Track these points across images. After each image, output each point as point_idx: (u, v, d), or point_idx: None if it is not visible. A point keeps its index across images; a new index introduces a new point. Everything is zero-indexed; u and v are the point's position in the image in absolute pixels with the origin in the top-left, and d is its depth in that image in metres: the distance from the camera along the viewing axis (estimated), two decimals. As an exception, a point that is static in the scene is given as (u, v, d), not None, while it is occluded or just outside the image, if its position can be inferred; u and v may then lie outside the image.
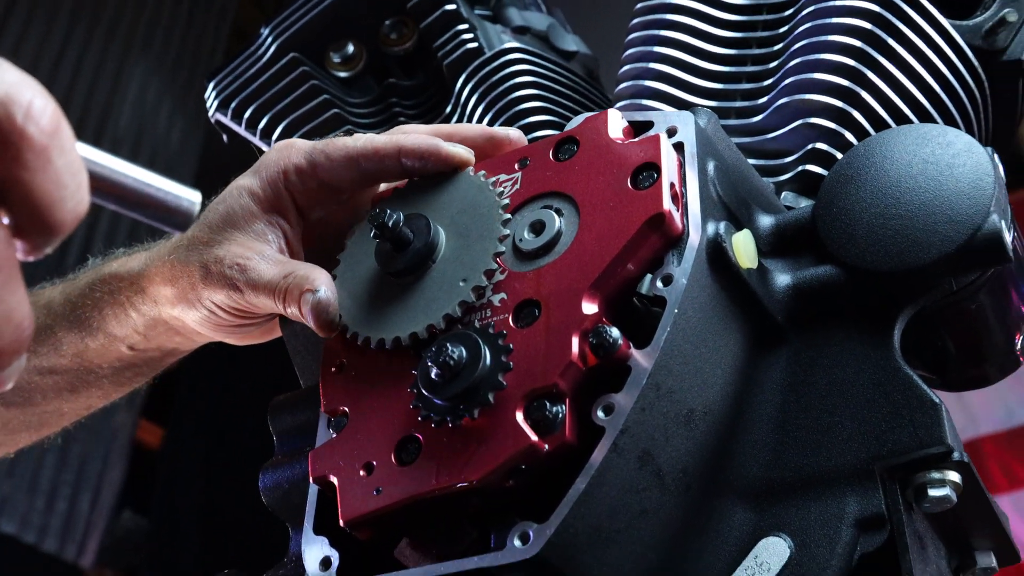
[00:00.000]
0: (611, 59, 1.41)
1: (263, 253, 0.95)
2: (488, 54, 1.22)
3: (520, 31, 1.34)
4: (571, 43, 1.37)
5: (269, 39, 1.38)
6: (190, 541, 4.51)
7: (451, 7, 1.25)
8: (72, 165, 0.56)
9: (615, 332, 0.79)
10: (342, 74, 1.36)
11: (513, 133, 0.97)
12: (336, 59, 1.36)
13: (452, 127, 0.98)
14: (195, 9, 4.86)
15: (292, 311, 0.92)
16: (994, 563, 0.90)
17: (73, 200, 0.57)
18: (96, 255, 1.11)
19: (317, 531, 0.86)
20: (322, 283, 0.91)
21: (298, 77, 1.33)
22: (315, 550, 0.86)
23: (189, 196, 0.66)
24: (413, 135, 0.95)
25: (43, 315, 1.07)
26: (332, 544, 0.85)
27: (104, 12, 4.46)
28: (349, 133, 1.07)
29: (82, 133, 3.91)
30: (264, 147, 1.35)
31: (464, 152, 0.94)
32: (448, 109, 1.27)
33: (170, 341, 1.05)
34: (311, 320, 0.91)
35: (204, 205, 0.98)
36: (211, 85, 1.40)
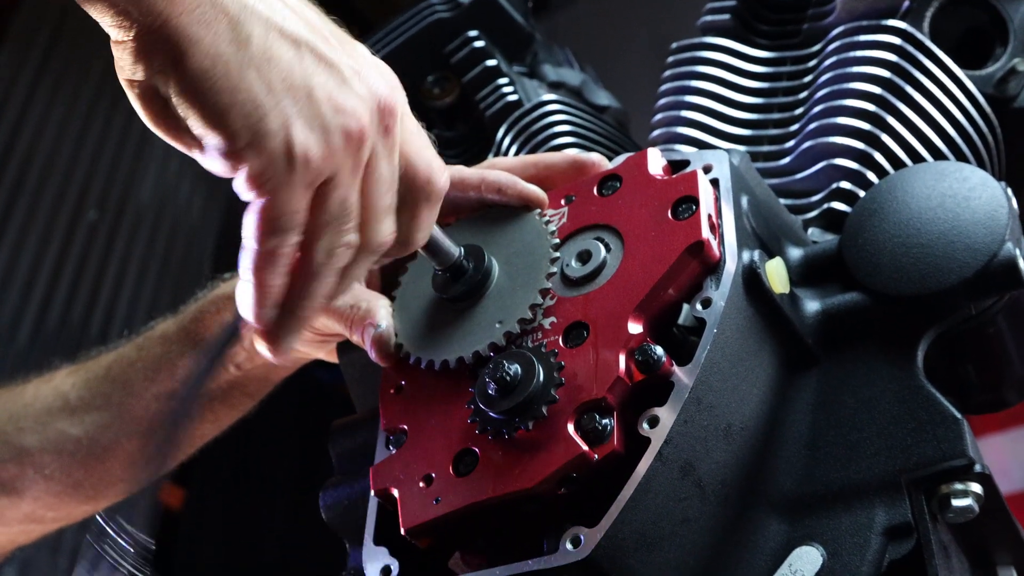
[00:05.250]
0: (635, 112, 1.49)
1: None
2: (527, 105, 1.29)
3: (555, 86, 1.41)
4: (603, 98, 1.44)
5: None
6: (213, 602, 4.51)
7: (492, 63, 1.33)
8: None
9: (659, 350, 0.85)
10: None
11: (595, 156, 1.00)
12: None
13: (539, 156, 1.04)
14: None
15: (356, 339, 0.98)
16: (1015, 577, 0.95)
17: None
18: None
19: (377, 542, 0.91)
20: (383, 318, 0.97)
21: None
22: (375, 560, 0.90)
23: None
24: (496, 171, 1.01)
25: (159, 345, 1.15)
26: (391, 554, 0.90)
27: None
28: None
29: (106, 204, 3.99)
30: None
31: (540, 194, 0.99)
32: (489, 158, 1.33)
33: None
34: (371, 351, 0.97)
35: None
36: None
